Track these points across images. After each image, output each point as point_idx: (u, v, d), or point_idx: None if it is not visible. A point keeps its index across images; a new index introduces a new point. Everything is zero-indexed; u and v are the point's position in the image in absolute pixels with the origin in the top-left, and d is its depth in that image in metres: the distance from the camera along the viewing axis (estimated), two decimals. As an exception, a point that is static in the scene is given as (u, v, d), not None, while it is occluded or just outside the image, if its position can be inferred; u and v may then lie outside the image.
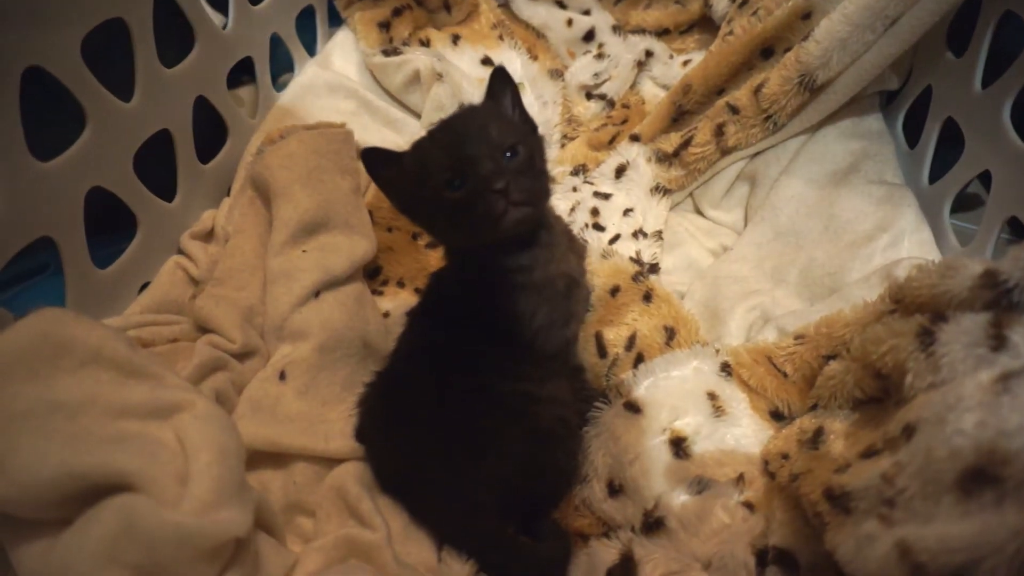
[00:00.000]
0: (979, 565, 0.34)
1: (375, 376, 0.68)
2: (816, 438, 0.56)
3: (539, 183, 0.63)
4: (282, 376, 0.69)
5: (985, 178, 0.77)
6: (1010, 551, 0.33)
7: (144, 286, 0.81)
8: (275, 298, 0.74)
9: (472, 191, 0.58)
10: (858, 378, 0.55)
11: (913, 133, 0.92)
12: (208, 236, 0.88)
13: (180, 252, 0.86)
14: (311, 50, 1.14)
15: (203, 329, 0.72)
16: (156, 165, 0.83)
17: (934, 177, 0.86)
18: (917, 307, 0.52)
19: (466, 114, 0.65)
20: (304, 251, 0.76)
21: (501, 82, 0.67)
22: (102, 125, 0.72)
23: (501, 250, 0.64)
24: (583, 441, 0.66)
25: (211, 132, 0.94)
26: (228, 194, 0.92)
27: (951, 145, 0.84)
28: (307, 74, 1.07)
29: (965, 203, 0.86)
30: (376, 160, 0.65)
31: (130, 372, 0.50)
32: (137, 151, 0.78)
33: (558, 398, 0.63)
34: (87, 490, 0.43)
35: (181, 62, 0.85)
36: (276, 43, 1.05)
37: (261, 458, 0.64)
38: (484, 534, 0.59)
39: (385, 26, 1.08)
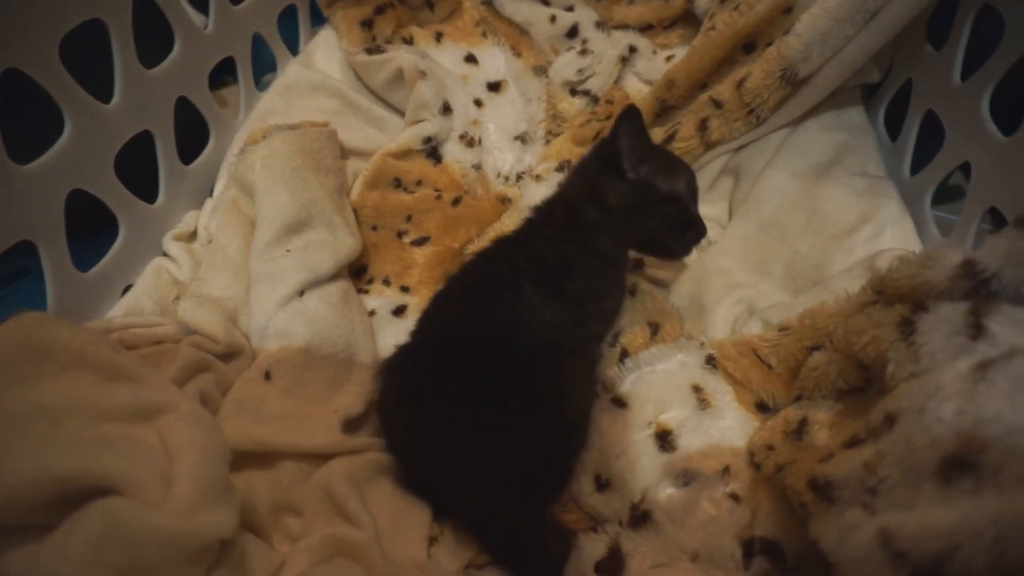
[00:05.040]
0: (958, 552, 0.34)
1: (399, 349, 0.68)
2: (800, 429, 0.56)
3: None
4: (267, 376, 0.69)
5: (966, 169, 0.78)
6: (988, 537, 0.34)
7: (127, 288, 0.80)
8: (259, 298, 0.74)
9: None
10: (841, 368, 0.56)
11: (895, 125, 0.92)
12: (191, 237, 0.88)
13: (163, 254, 0.85)
14: (294, 49, 1.13)
15: (187, 330, 0.72)
16: (138, 167, 0.82)
17: (916, 169, 0.87)
18: (898, 297, 0.52)
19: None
20: (288, 250, 0.76)
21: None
22: (82, 127, 0.71)
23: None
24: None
25: (193, 133, 0.93)
26: (211, 195, 0.92)
27: (932, 137, 0.84)
28: (290, 73, 1.06)
29: (947, 194, 0.86)
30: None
31: (113, 375, 0.49)
32: (118, 153, 0.77)
33: (584, 393, 0.64)
34: (71, 494, 0.42)
35: (162, 63, 0.84)
36: (258, 43, 1.04)
37: (247, 458, 0.64)
38: (502, 516, 0.58)
39: (368, 24, 1.07)
